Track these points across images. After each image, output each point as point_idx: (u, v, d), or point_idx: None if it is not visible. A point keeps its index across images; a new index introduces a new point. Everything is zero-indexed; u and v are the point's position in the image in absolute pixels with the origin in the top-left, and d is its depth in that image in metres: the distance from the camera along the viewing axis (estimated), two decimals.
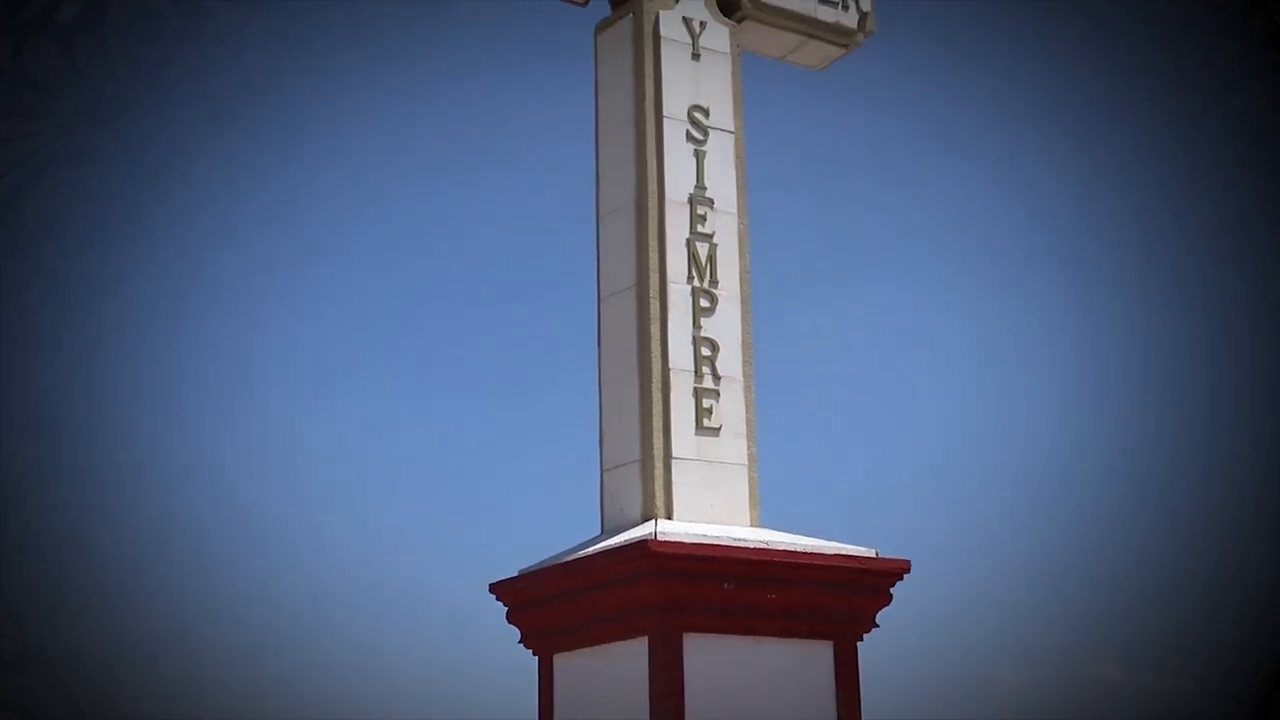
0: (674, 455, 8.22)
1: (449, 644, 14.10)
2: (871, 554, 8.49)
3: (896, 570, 8.50)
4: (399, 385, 15.82)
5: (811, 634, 8.27)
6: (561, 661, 8.42)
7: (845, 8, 9.45)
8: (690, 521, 8.19)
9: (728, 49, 8.91)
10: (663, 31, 8.70)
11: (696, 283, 8.49)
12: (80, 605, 9.37)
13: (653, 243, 8.40)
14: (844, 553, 8.44)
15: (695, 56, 8.79)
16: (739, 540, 8.15)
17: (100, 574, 9.54)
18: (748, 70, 8.96)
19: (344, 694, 12.47)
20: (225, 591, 11.29)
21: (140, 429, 10.53)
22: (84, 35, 9.77)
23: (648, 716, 7.75)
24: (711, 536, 8.07)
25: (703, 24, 8.86)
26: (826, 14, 9.40)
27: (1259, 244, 13.01)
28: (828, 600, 8.29)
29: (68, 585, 9.36)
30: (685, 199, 8.56)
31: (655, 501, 8.13)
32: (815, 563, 8.28)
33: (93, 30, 9.81)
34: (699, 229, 8.55)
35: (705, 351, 8.43)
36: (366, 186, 15.63)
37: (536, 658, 8.65)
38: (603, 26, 8.89)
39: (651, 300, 8.33)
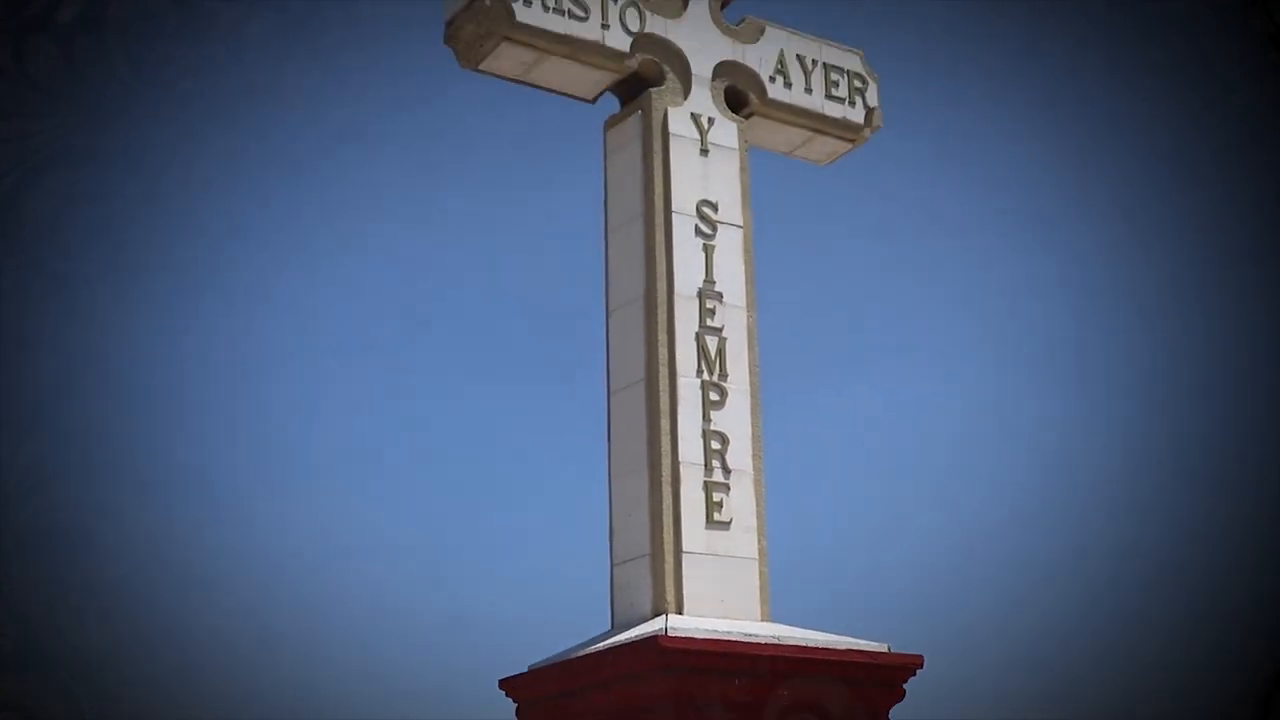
0: (684, 549, 8.23)
1: (448, 648, 14.11)
2: (884, 649, 8.47)
3: (910, 665, 8.49)
4: (402, 465, 15.81)
5: None
6: None
7: (852, 103, 9.53)
8: (701, 616, 8.20)
9: (736, 144, 8.97)
10: (671, 128, 8.77)
11: (706, 376, 8.51)
12: (80, 605, 9.37)
13: (662, 337, 8.42)
14: (856, 648, 8.41)
15: (704, 152, 8.86)
16: (750, 636, 8.15)
17: (100, 574, 9.54)
18: (755, 165, 9.01)
19: (344, 694, 12.48)
20: (225, 591, 11.29)
21: (141, 429, 10.53)
22: (84, 35, 9.77)
23: None
24: (723, 632, 8.07)
25: (711, 120, 8.93)
26: (833, 109, 9.48)
27: (1260, 244, 13.01)
28: (840, 696, 8.26)
29: (68, 585, 9.36)
30: (694, 293, 8.59)
31: (666, 596, 8.14)
32: (827, 658, 8.26)
33: (93, 30, 9.81)
34: (708, 323, 8.58)
35: (715, 445, 8.45)
36: (365, 187, 15.64)
37: None
38: (612, 122, 8.94)
39: (661, 394, 8.35)
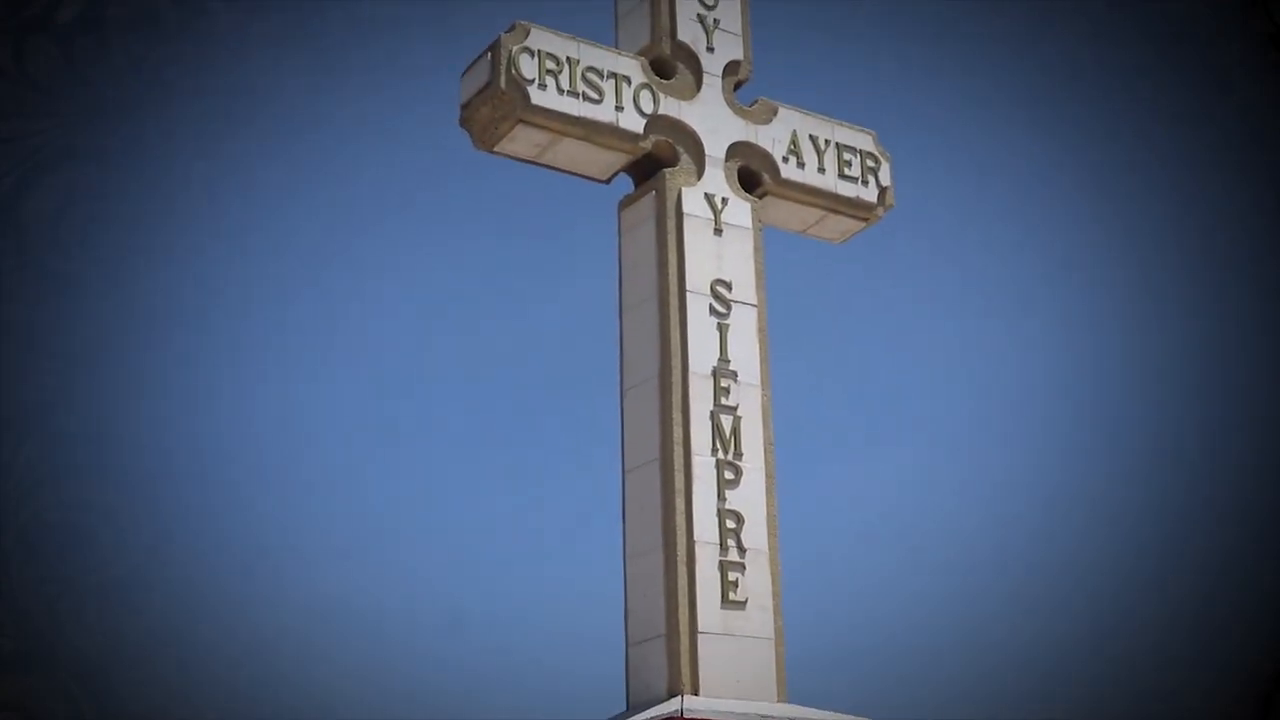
0: (700, 630, 8.19)
1: (449, 645, 14.11)
2: None
3: None
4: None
5: None
6: None
7: (865, 183, 9.54)
8: (717, 697, 8.16)
9: (750, 224, 8.97)
10: (685, 208, 8.77)
11: (721, 455, 8.48)
12: (80, 605, 9.36)
13: (676, 415, 8.39)
14: None
15: (718, 232, 8.86)
16: (767, 716, 8.11)
17: (100, 574, 9.54)
18: (769, 243, 9.04)
19: (344, 694, 12.48)
20: (225, 591, 11.29)
21: (140, 429, 10.53)
22: (84, 35, 9.77)
23: None
24: (739, 713, 8.04)
25: (725, 200, 8.94)
26: (847, 189, 9.48)
27: (1260, 244, 13.01)
28: None
29: (68, 585, 9.35)
30: (709, 372, 8.57)
31: (681, 677, 8.10)
32: None
33: (93, 30, 9.81)
34: (722, 401, 8.56)
35: (730, 524, 8.41)
36: (368, 189, 15.64)
37: None
38: (626, 203, 8.95)
39: (676, 473, 8.32)
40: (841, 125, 9.55)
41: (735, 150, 9.10)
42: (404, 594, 14.27)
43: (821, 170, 9.40)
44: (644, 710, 8.05)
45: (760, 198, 9.15)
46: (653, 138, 8.83)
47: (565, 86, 8.61)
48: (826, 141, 9.46)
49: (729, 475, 8.43)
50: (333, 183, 14.59)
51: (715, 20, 9.22)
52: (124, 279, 10.20)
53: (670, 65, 9.02)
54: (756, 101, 9.27)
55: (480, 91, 8.55)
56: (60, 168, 9.69)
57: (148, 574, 9.86)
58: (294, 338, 15.18)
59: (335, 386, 15.68)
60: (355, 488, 15.25)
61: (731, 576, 8.32)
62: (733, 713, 7.96)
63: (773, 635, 8.41)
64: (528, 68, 8.46)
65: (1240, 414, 13.53)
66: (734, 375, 8.61)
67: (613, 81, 8.78)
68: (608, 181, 8.98)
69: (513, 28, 8.45)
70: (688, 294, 8.61)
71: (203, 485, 11.65)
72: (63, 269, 9.70)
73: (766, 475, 8.56)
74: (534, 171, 8.86)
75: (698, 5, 9.18)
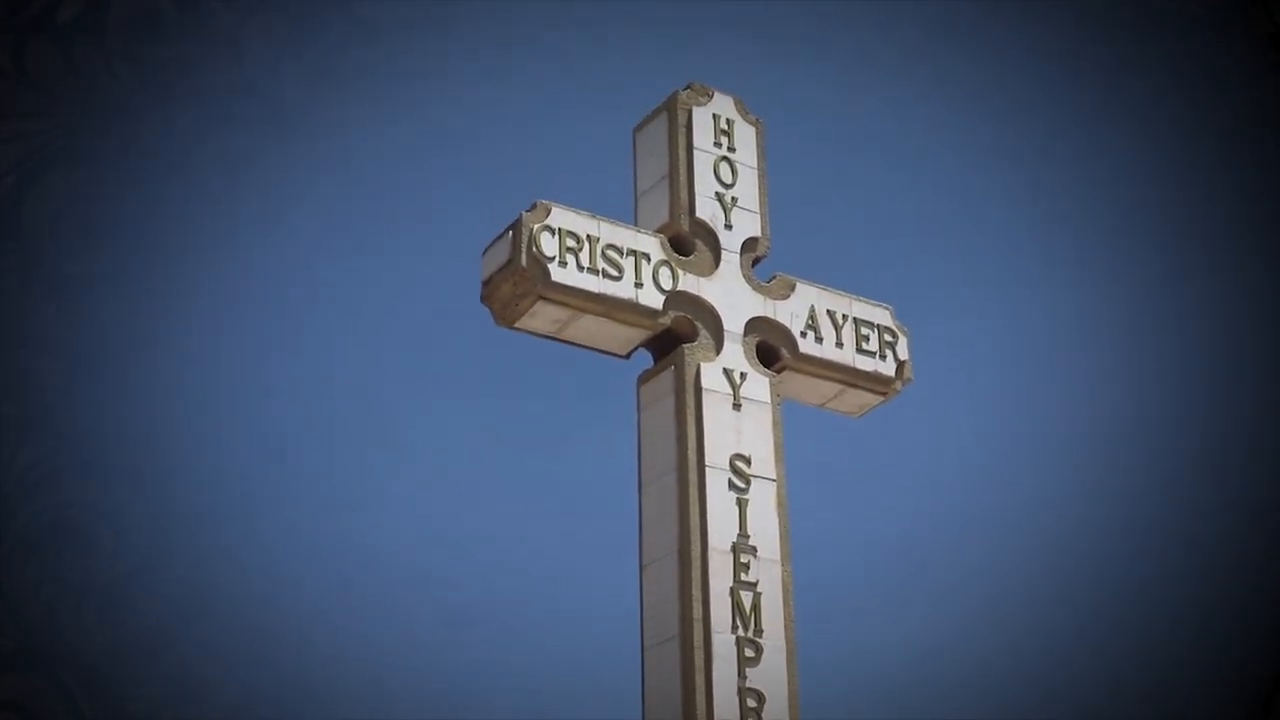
0: None
1: (448, 645, 14.12)
2: None
3: None
4: None
5: None
6: None
7: (883, 357, 9.56)
8: None
9: (768, 399, 8.97)
10: (704, 383, 8.79)
11: (741, 632, 8.44)
12: (80, 605, 9.37)
13: (696, 592, 8.35)
14: None
15: (736, 406, 8.87)
16: None
17: (100, 574, 9.54)
18: (788, 417, 9.06)
19: (345, 694, 12.48)
20: (225, 591, 11.29)
21: (141, 429, 10.54)
22: (84, 35, 9.78)
23: None
24: None
25: (743, 375, 8.95)
26: (864, 363, 9.49)
27: (1260, 245, 13.02)
28: None
29: (68, 585, 9.36)
30: (728, 548, 8.55)
31: None
32: None
33: (93, 30, 9.82)
34: (742, 577, 8.53)
35: (751, 703, 8.36)
36: (367, 189, 15.65)
37: None
38: (645, 378, 8.97)
39: (695, 651, 8.27)
40: (859, 300, 9.60)
41: (753, 325, 9.15)
42: (404, 594, 14.27)
43: (839, 345, 9.45)
44: None
45: (779, 372, 9.19)
46: (672, 314, 8.88)
47: (585, 264, 8.68)
48: (844, 316, 9.51)
49: (749, 653, 8.39)
50: (333, 182, 14.59)
51: (733, 198, 9.32)
52: (124, 279, 10.21)
53: (689, 242, 9.10)
54: (774, 277, 9.33)
55: (501, 269, 8.61)
56: (60, 168, 9.70)
57: (148, 574, 9.86)
58: (294, 337, 15.18)
59: (336, 386, 15.68)
60: (356, 488, 15.25)
61: None
62: None
63: None
64: (548, 245, 8.55)
65: (1240, 413, 13.54)
66: (754, 551, 8.58)
67: (632, 258, 8.86)
68: (627, 357, 9.04)
69: (534, 206, 8.54)
70: (707, 469, 8.62)
71: (203, 485, 11.65)
72: (63, 269, 9.71)
73: (788, 652, 8.52)
74: (553, 345, 8.91)
75: (716, 183, 9.30)
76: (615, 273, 8.81)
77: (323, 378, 15.34)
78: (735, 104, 9.51)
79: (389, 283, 15.79)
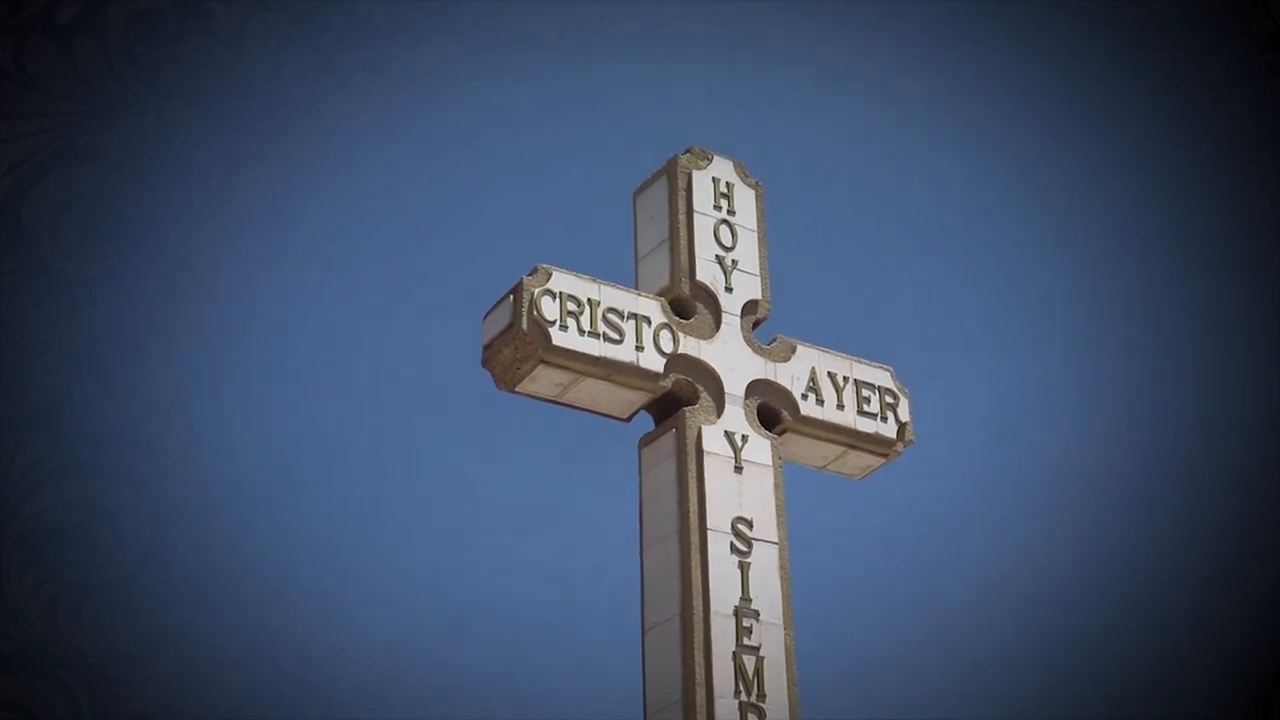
0: None
1: (451, 644, 14.12)
2: None
3: None
4: None
5: None
6: None
7: (884, 419, 9.56)
8: None
9: (770, 461, 8.97)
10: (706, 446, 8.79)
11: (744, 697, 8.41)
12: (80, 605, 9.38)
13: (698, 657, 8.34)
14: None
15: (738, 469, 8.87)
16: None
17: (100, 574, 9.55)
18: (790, 479, 9.06)
19: (345, 694, 12.49)
20: (225, 591, 11.29)
21: (140, 429, 10.54)
22: (84, 35, 9.78)
23: None
24: None
25: (745, 438, 8.95)
26: (866, 425, 9.49)
27: (1261, 246, 13.01)
28: None
29: (68, 585, 9.37)
30: (730, 611, 8.53)
31: None
32: None
33: (93, 30, 9.82)
34: (745, 641, 8.51)
35: None
36: (366, 186, 15.65)
37: None
38: (646, 441, 8.97)
39: (698, 716, 8.27)
40: (859, 362, 9.61)
41: (755, 388, 9.16)
42: (404, 594, 14.28)
43: (840, 407, 9.45)
44: None
45: (780, 434, 9.19)
46: (673, 377, 8.89)
47: (586, 327, 8.69)
48: (845, 378, 9.52)
49: (753, 718, 8.40)
50: (333, 183, 14.59)
51: (733, 261, 9.35)
52: (124, 279, 10.21)
53: (689, 305, 9.13)
54: (775, 339, 9.34)
55: (502, 333, 8.62)
56: (60, 168, 9.71)
57: (148, 574, 9.87)
58: (295, 337, 15.19)
59: (336, 386, 15.69)
60: (356, 487, 15.26)
61: None
62: None
63: None
64: (549, 309, 8.57)
65: (1239, 412, 13.54)
66: (756, 614, 8.57)
67: (633, 322, 8.88)
68: (628, 420, 9.03)
69: (535, 271, 8.56)
70: (709, 532, 8.60)
71: (203, 485, 11.64)
72: (63, 269, 9.71)
73: (791, 717, 8.52)
74: (554, 408, 8.91)
75: (716, 247, 9.33)
76: (616, 336, 8.81)
77: (325, 377, 15.35)
78: (735, 167, 9.56)
79: (389, 344, 15.85)
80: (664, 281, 9.15)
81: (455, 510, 15.78)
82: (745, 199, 9.59)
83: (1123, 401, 14.97)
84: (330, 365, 15.69)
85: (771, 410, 9.23)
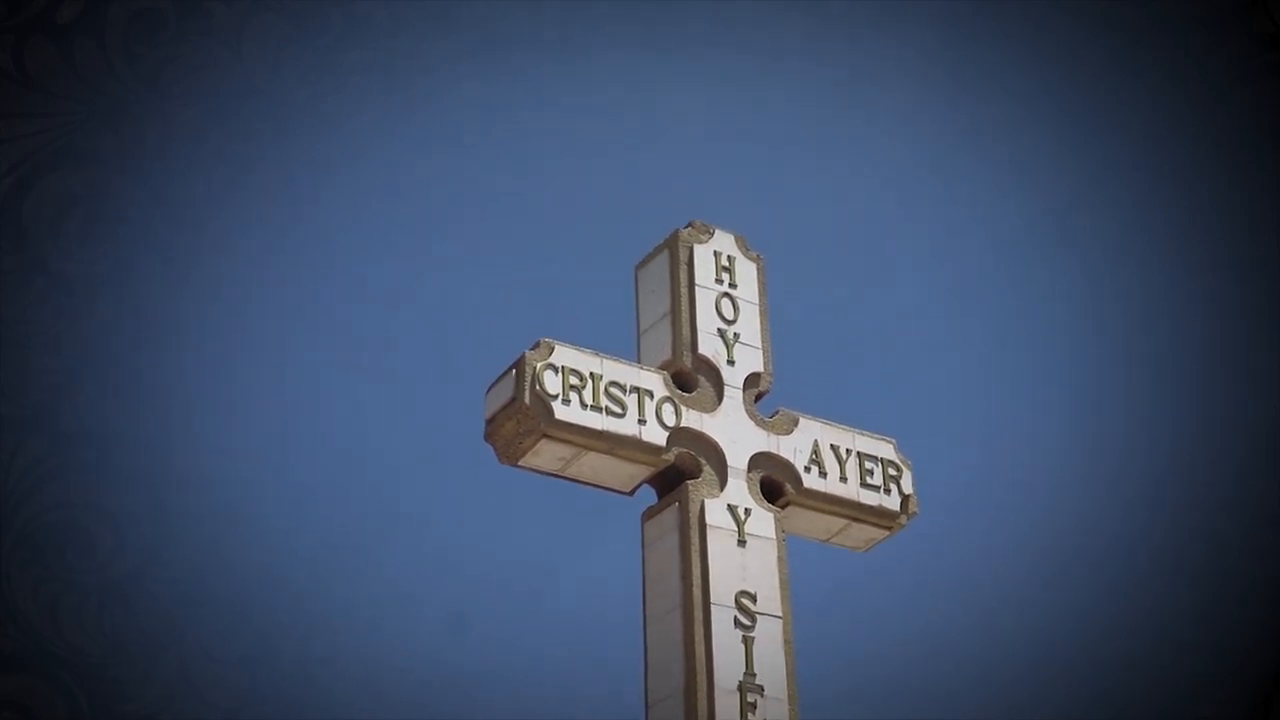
0: None
1: (449, 645, 14.12)
2: None
3: None
4: None
5: None
6: None
7: (887, 491, 9.53)
8: None
9: (773, 534, 8.94)
10: (708, 520, 8.76)
11: None
12: (80, 605, 9.38)
13: None
14: None
15: (741, 543, 8.84)
16: None
17: (100, 574, 9.55)
18: (793, 552, 9.05)
19: (345, 694, 12.49)
20: (225, 591, 11.30)
21: (141, 429, 10.54)
22: (84, 35, 9.78)
23: None
24: None
25: (748, 511, 8.92)
26: (869, 497, 9.46)
27: (1261, 246, 13.02)
28: None
29: (68, 585, 9.37)
30: (734, 687, 8.49)
31: None
32: None
33: (93, 30, 9.82)
34: (750, 717, 8.51)
35: None
36: (367, 186, 15.66)
37: None
38: (649, 514, 8.95)
39: None
40: (862, 434, 9.59)
41: (757, 461, 9.14)
42: (404, 594, 14.29)
43: (843, 480, 9.43)
44: None
45: (783, 508, 9.16)
46: (675, 450, 8.87)
47: (589, 401, 8.67)
48: (848, 451, 9.50)
49: None
50: (333, 183, 14.60)
51: (735, 334, 9.34)
52: (124, 279, 10.22)
53: (692, 378, 9.09)
54: (777, 412, 9.33)
55: (504, 407, 8.61)
56: (60, 168, 9.71)
57: (148, 574, 9.87)
58: (295, 337, 15.19)
59: (337, 386, 15.69)
60: (357, 487, 15.27)
61: None
62: None
63: None
64: (552, 383, 8.55)
65: (1239, 412, 13.54)
66: (760, 690, 8.54)
67: (635, 395, 8.85)
68: (631, 494, 9.03)
69: (537, 345, 8.53)
70: (712, 606, 8.58)
71: (203, 485, 11.65)
72: (63, 269, 9.71)
73: None
74: (555, 484, 8.91)
75: (718, 320, 9.32)
76: (619, 410, 8.77)
77: (325, 378, 15.35)
78: (736, 241, 9.55)
79: (390, 344, 15.87)
80: (666, 355, 9.15)
81: (455, 510, 15.79)
82: (747, 272, 9.60)
83: (1123, 402, 14.98)
84: (331, 365, 15.70)
85: (774, 483, 9.19)
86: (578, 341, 8.65)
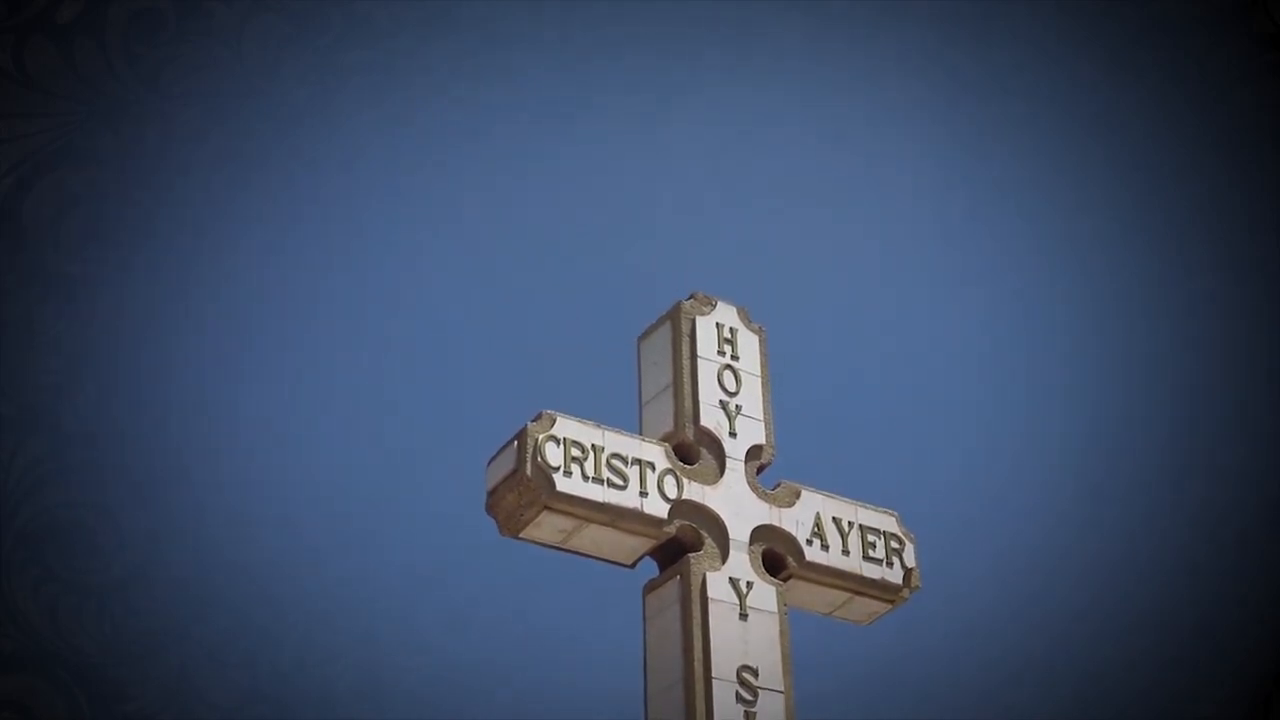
0: None
1: (449, 642, 14.13)
2: None
3: None
4: None
5: None
6: None
7: (889, 564, 9.47)
8: None
9: (775, 608, 8.90)
10: (710, 593, 8.71)
11: None
12: (80, 605, 9.38)
13: None
14: None
15: (743, 616, 8.80)
16: None
17: (100, 574, 9.55)
18: (795, 626, 9.01)
19: (345, 694, 12.50)
20: (225, 591, 11.30)
21: (140, 429, 10.54)
22: (84, 35, 9.78)
23: None
24: None
25: (750, 584, 8.88)
26: (871, 571, 9.40)
27: (1260, 247, 13.02)
28: None
29: (68, 585, 9.37)
30: None
31: None
32: None
33: (93, 30, 9.82)
34: None
35: None
36: (367, 185, 15.66)
37: None
38: (650, 587, 8.92)
39: None
40: (864, 507, 9.56)
41: (759, 534, 9.09)
42: (404, 594, 14.28)
43: (845, 553, 9.37)
44: None
45: (785, 581, 9.12)
46: (677, 523, 8.82)
47: (590, 473, 8.64)
48: (850, 524, 9.45)
49: None
50: (333, 183, 14.61)
51: (737, 406, 9.29)
52: (124, 279, 10.22)
53: (693, 451, 9.05)
54: (779, 484, 9.29)
55: (506, 479, 8.57)
56: (60, 168, 9.71)
57: (148, 574, 9.87)
58: (295, 337, 15.19)
59: (338, 387, 15.69)
60: (357, 487, 15.27)
61: None
62: None
63: None
64: (553, 455, 8.51)
65: (1239, 411, 13.55)
66: None
67: (637, 468, 8.83)
68: (633, 566, 9.00)
69: (539, 416, 8.51)
70: (714, 680, 8.55)
71: (203, 485, 11.65)
72: (63, 269, 9.71)
73: None
74: (558, 555, 8.88)
75: (720, 392, 9.28)
76: (620, 482, 8.75)
77: (325, 377, 15.35)
78: (738, 313, 9.53)
79: (391, 344, 15.89)
80: (668, 427, 9.10)
81: (457, 510, 15.79)
82: (748, 344, 9.59)
83: (1123, 401, 14.99)
84: (332, 365, 15.70)
85: (776, 556, 9.14)
86: (579, 413, 8.63)
